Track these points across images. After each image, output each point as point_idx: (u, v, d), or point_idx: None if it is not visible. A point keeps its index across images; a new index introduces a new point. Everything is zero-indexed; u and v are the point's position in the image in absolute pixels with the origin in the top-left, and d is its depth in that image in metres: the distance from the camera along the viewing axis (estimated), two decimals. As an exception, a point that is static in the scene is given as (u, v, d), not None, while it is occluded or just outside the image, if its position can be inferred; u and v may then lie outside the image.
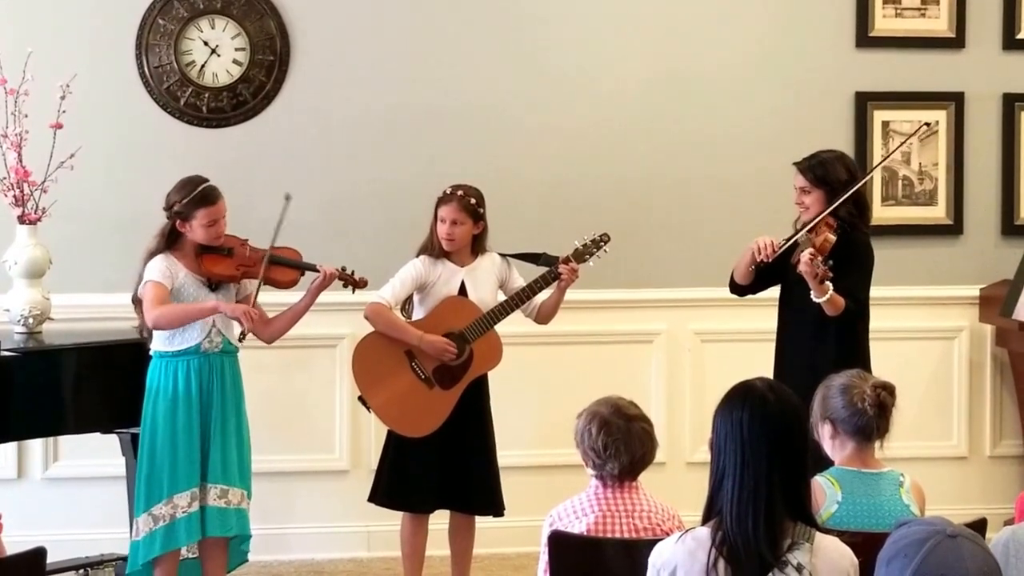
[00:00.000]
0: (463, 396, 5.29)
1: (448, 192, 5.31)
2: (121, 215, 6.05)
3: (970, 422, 6.70)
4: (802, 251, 4.99)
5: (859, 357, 5.00)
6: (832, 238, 5.01)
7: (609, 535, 3.64)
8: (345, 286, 5.25)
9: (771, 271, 5.21)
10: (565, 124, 6.42)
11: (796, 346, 5.20)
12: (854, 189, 5.13)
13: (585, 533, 3.63)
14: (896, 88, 6.59)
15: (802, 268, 4.93)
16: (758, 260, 5.14)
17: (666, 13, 6.47)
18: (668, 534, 3.56)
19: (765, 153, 6.32)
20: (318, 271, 5.17)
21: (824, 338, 5.09)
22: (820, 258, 4.92)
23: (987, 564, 2.54)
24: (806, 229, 5.08)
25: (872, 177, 6.28)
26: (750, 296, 5.40)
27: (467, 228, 5.30)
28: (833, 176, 5.15)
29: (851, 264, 5.09)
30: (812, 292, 4.97)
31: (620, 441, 3.67)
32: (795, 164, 5.26)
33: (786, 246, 5.11)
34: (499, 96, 6.39)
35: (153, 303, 4.92)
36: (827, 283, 4.95)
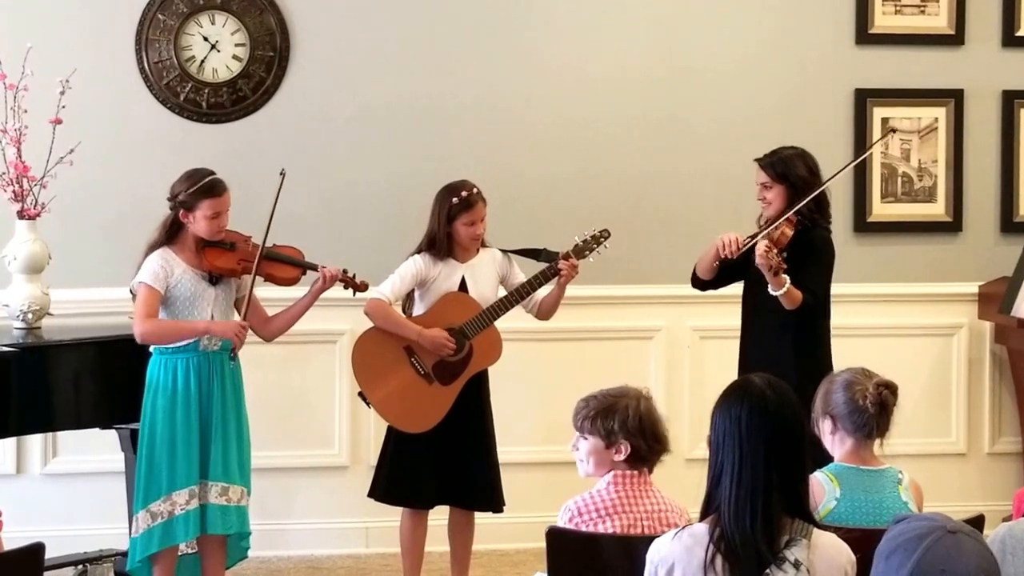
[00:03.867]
0: (463, 392, 5.29)
1: (475, 192, 5.28)
2: (120, 211, 6.05)
3: (969, 419, 6.71)
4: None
5: (820, 354, 5.09)
6: (789, 232, 5.09)
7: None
8: (346, 288, 5.25)
9: (734, 267, 5.26)
10: (565, 120, 6.42)
11: (759, 343, 5.26)
12: (819, 190, 5.20)
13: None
14: (896, 85, 6.59)
15: (758, 260, 4.99)
16: (723, 256, 5.19)
17: (665, 9, 6.48)
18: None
19: (765, 150, 6.26)
20: (319, 271, 5.17)
21: (785, 334, 5.14)
22: (775, 250, 4.96)
23: (986, 561, 2.54)
24: (771, 227, 5.12)
25: (869, 172, 6.31)
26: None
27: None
28: (794, 172, 5.23)
29: (810, 259, 5.15)
30: (769, 285, 5.02)
31: (652, 429, 3.72)
32: (756, 160, 5.32)
33: (751, 243, 5.14)
34: (499, 92, 6.39)
35: (142, 314, 4.92)
36: (784, 276, 5.00)
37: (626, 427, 3.71)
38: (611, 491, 3.70)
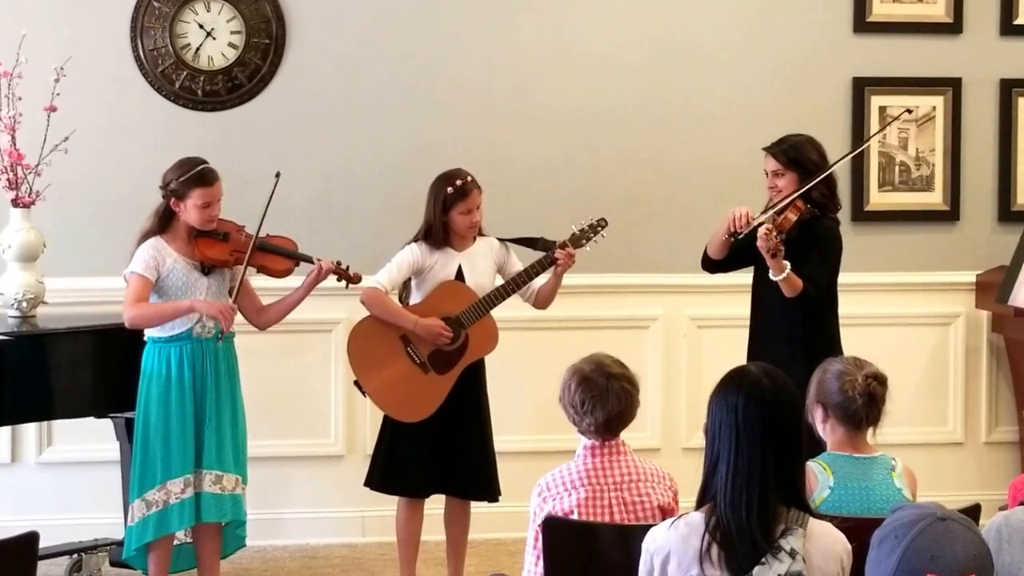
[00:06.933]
0: (459, 381, 5.28)
1: (470, 180, 5.27)
2: (115, 199, 6.03)
3: (966, 408, 6.70)
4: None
5: (827, 347, 5.03)
6: (792, 217, 5.04)
7: (598, 511, 3.67)
8: (339, 280, 5.23)
9: (745, 249, 5.22)
10: (562, 109, 6.41)
11: (765, 333, 5.23)
12: (830, 169, 5.18)
13: (574, 507, 3.66)
14: (894, 73, 6.58)
15: (758, 243, 4.97)
16: (732, 230, 5.15)
17: (663, -2, 6.47)
18: (661, 508, 3.66)
19: (762, 138, 6.24)
20: (313, 263, 5.15)
21: (791, 326, 5.12)
22: (775, 232, 4.93)
23: (977, 548, 2.54)
24: (783, 204, 5.08)
25: (867, 161, 6.31)
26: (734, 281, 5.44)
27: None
28: (806, 158, 5.20)
29: (815, 249, 5.12)
30: (770, 270, 4.99)
31: (597, 398, 3.71)
32: (765, 149, 5.27)
33: (762, 219, 5.11)
34: (496, 80, 6.37)
35: (131, 300, 4.91)
36: (784, 261, 4.98)
37: (569, 411, 3.78)
38: (580, 463, 3.74)
